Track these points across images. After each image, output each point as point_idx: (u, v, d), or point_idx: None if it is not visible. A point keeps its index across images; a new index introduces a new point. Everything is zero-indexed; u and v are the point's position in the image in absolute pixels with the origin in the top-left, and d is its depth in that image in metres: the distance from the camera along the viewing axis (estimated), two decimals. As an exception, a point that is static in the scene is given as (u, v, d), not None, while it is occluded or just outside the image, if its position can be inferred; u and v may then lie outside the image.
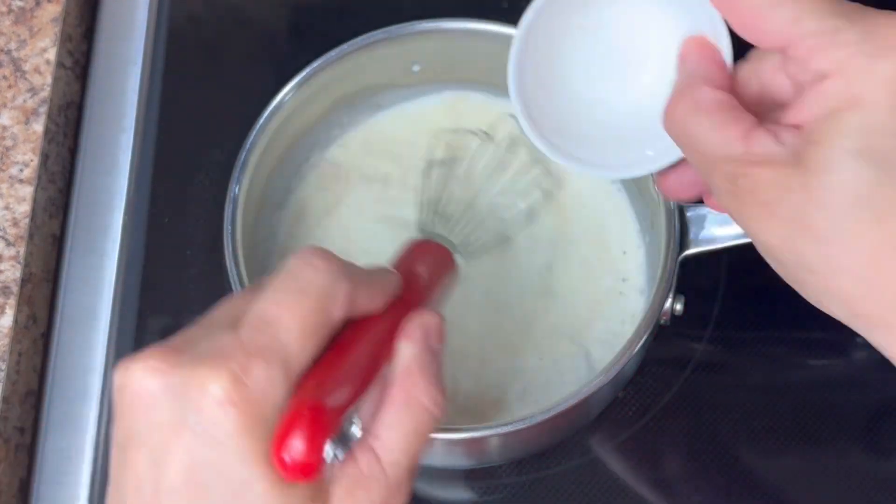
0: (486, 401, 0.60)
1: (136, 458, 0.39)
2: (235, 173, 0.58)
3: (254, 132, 0.59)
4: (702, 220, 0.57)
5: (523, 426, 0.53)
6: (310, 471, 0.38)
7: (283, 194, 0.65)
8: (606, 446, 0.62)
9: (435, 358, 0.44)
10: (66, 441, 0.64)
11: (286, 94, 0.61)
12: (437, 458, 0.60)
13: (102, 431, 0.63)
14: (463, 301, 0.60)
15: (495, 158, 0.64)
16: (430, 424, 0.43)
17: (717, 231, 0.57)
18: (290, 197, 0.65)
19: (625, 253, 0.63)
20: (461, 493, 0.63)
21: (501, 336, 0.61)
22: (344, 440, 0.42)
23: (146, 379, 0.38)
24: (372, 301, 0.43)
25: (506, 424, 0.53)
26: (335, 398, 0.40)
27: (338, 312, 0.41)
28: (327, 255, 0.42)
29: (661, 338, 0.58)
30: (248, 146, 0.59)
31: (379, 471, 0.41)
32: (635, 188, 0.63)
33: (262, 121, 0.60)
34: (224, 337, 0.39)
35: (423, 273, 0.48)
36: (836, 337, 0.64)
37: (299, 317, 0.39)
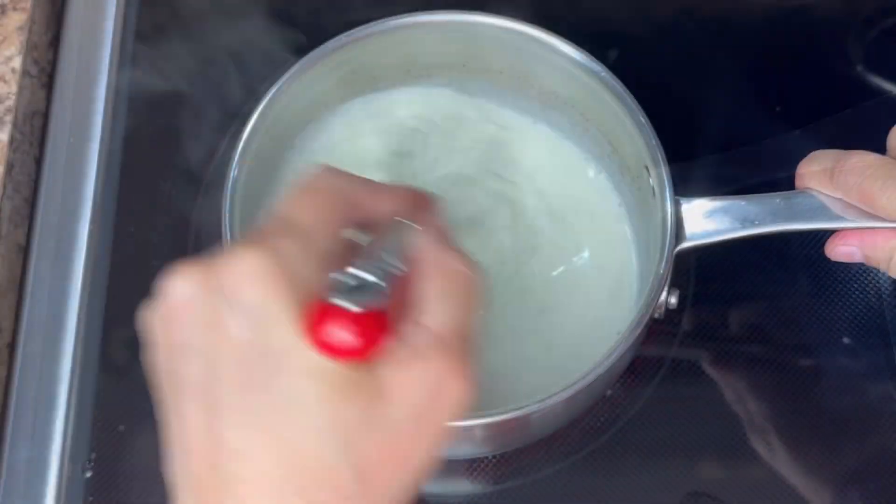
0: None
1: (188, 369, 0.38)
2: (234, 158, 0.57)
3: (254, 117, 0.58)
4: (695, 213, 0.56)
5: (511, 416, 0.52)
6: (357, 350, 0.37)
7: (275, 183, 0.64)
8: (582, 452, 0.62)
9: (444, 231, 0.44)
10: (33, 452, 0.63)
11: (286, 80, 0.59)
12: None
13: (68, 442, 0.62)
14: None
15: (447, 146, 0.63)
16: (473, 288, 0.41)
17: (710, 226, 0.56)
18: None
19: (617, 247, 0.63)
20: (448, 487, 0.63)
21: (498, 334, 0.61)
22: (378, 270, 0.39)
23: (181, 287, 0.38)
24: (384, 202, 0.43)
25: (499, 414, 0.52)
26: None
27: (355, 207, 0.42)
28: (334, 167, 0.43)
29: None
30: (248, 131, 0.58)
31: (437, 342, 0.39)
32: (634, 188, 0.63)
33: (262, 106, 0.58)
34: (248, 239, 0.39)
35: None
36: (812, 339, 0.65)
37: (318, 209, 0.40)
